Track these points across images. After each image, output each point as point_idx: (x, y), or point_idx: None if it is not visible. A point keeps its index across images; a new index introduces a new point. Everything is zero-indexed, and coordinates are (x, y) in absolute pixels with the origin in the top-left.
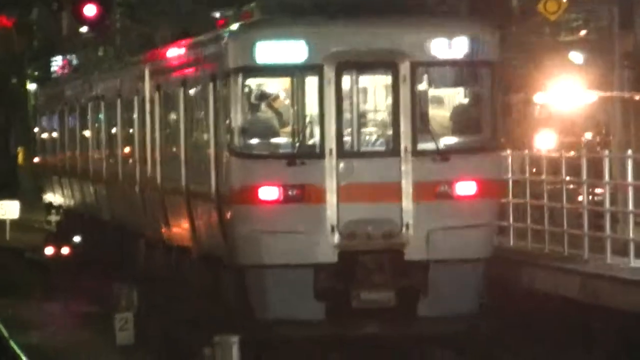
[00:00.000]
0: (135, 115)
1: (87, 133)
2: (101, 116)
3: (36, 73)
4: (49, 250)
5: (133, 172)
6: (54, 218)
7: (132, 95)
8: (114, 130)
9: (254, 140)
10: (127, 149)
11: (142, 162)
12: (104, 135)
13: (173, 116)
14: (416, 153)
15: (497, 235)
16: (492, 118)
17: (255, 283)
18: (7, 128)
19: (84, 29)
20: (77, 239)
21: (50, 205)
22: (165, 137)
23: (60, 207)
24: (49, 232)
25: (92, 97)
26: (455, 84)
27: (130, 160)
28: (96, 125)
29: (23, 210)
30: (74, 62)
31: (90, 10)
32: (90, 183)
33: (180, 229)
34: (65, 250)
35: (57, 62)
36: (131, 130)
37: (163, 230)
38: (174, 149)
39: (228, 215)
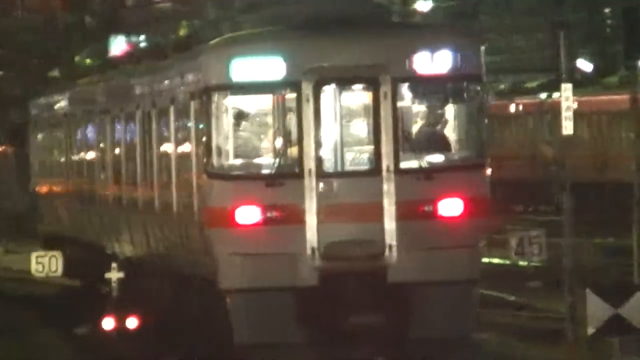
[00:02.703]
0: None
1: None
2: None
3: (88, 61)
4: (109, 324)
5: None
6: (115, 275)
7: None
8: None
9: (231, 161)
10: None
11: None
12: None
13: (166, 135)
14: (398, 171)
15: None
16: (478, 134)
17: (235, 307)
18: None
19: None
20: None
21: (110, 257)
22: (161, 159)
23: (116, 257)
24: (106, 296)
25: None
26: (439, 99)
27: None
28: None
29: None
30: (143, 44)
31: None
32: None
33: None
34: (132, 323)
35: (118, 45)
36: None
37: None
38: (168, 172)
39: (207, 238)
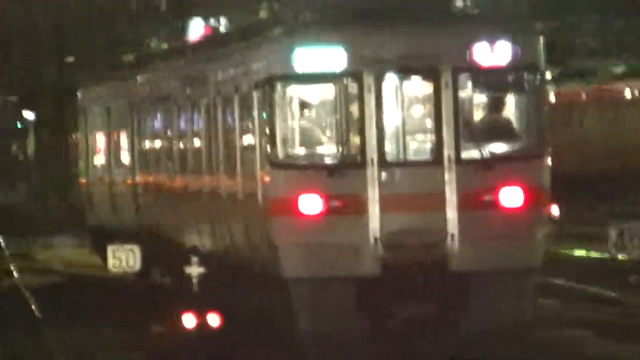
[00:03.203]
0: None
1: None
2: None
3: (165, 46)
4: (189, 321)
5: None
6: (195, 270)
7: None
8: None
9: (294, 150)
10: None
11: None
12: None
13: (230, 124)
14: (460, 161)
15: None
16: (538, 124)
17: (298, 295)
18: None
19: None
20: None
21: (191, 251)
22: (225, 148)
23: (196, 252)
24: (185, 291)
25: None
26: (499, 89)
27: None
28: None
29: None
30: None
31: None
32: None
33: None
34: (214, 320)
35: (196, 27)
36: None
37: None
38: (232, 161)
39: (270, 227)
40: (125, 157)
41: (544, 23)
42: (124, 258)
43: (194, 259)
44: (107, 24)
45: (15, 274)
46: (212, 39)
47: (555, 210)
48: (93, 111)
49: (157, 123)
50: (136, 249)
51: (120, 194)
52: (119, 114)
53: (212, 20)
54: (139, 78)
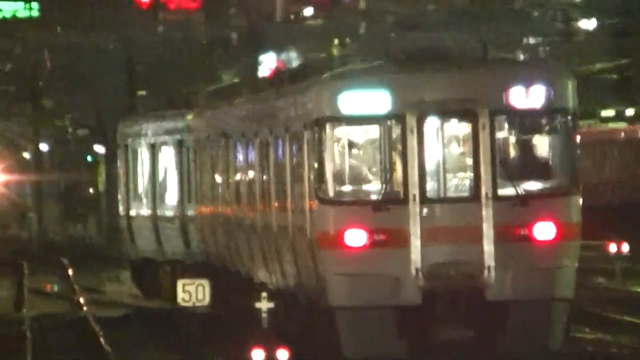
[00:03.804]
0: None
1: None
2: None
3: (236, 80)
4: (258, 356)
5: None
6: (265, 305)
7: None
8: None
9: (341, 187)
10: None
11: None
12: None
13: (281, 162)
14: (496, 198)
15: None
16: (569, 163)
17: (343, 323)
18: None
19: (308, 11)
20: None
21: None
22: (277, 184)
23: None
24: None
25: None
26: (534, 130)
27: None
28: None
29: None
30: (292, 61)
31: None
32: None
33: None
34: (283, 356)
35: (267, 62)
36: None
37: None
38: (283, 197)
39: (318, 259)
40: (176, 191)
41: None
42: (193, 292)
43: (264, 294)
44: (179, 59)
45: (84, 306)
46: (266, 80)
47: (625, 247)
48: (137, 146)
49: (212, 158)
50: (205, 283)
51: (168, 227)
52: (169, 149)
53: (283, 55)
54: (197, 113)
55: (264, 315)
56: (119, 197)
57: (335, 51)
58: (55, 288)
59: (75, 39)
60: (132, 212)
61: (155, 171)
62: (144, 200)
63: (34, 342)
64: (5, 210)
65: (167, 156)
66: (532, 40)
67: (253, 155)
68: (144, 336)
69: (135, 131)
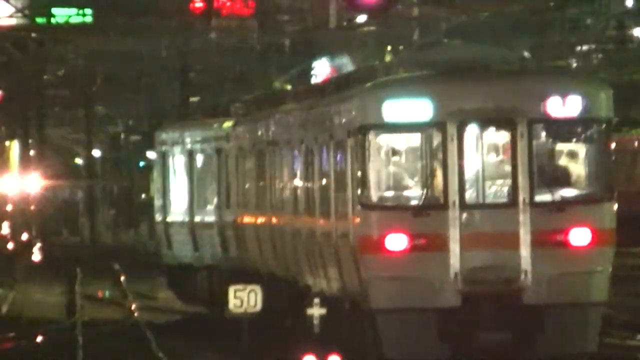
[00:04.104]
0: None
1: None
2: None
3: (288, 87)
4: None
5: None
6: (317, 312)
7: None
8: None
9: (383, 193)
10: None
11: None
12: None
13: (325, 168)
14: (533, 204)
15: None
16: (605, 171)
17: (384, 325)
18: None
19: (361, 18)
20: None
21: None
22: (321, 190)
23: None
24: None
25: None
26: (570, 139)
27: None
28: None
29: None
30: (345, 68)
31: None
32: None
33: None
34: None
35: (320, 69)
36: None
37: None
38: (327, 202)
39: (360, 263)
40: (215, 197)
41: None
42: (245, 299)
43: (316, 299)
44: (232, 65)
45: (135, 312)
46: (311, 88)
47: None
48: (174, 154)
49: (257, 165)
50: (258, 289)
51: (205, 233)
52: (209, 156)
53: (336, 62)
54: (238, 121)
55: (316, 321)
56: (156, 203)
57: (388, 58)
58: (107, 294)
59: (128, 45)
60: (169, 219)
61: (193, 178)
62: (181, 207)
63: (85, 348)
64: (57, 217)
65: (205, 163)
66: (585, 48)
67: (298, 162)
68: (195, 342)
69: (172, 138)
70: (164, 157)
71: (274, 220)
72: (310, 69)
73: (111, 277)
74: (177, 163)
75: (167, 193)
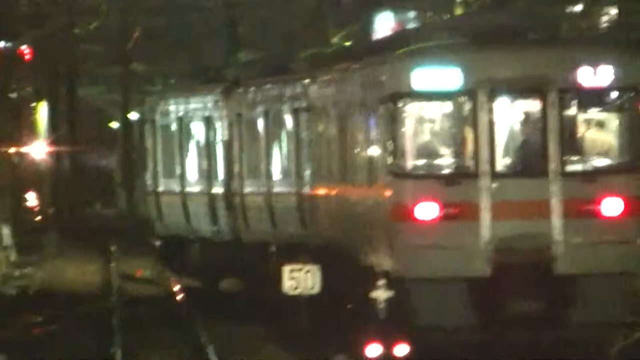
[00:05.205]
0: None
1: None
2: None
3: (347, 44)
4: (374, 351)
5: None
6: (382, 295)
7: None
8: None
9: (414, 162)
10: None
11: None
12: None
13: (357, 136)
14: (564, 174)
15: None
16: (635, 140)
17: (415, 293)
18: None
19: None
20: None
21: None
22: (352, 158)
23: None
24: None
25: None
26: (601, 108)
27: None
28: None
29: None
30: (411, 22)
31: None
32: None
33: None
34: (401, 350)
35: (384, 23)
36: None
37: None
38: (359, 170)
39: (391, 231)
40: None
41: None
42: (302, 279)
43: (380, 282)
44: (283, 20)
45: (176, 292)
46: (345, 53)
47: None
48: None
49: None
50: (315, 269)
51: (214, 202)
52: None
53: (400, 15)
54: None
55: (381, 305)
56: (148, 172)
57: (459, 10)
58: (148, 273)
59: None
60: (161, 189)
61: (183, 147)
62: (174, 177)
63: (123, 326)
64: (91, 186)
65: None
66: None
67: (331, 129)
68: (247, 326)
69: (162, 108)
70: (154, 124)
71: (304, 189)
72: (372, 23)
73: (151, 254)
74: (166, 132)
75: (154, 161)
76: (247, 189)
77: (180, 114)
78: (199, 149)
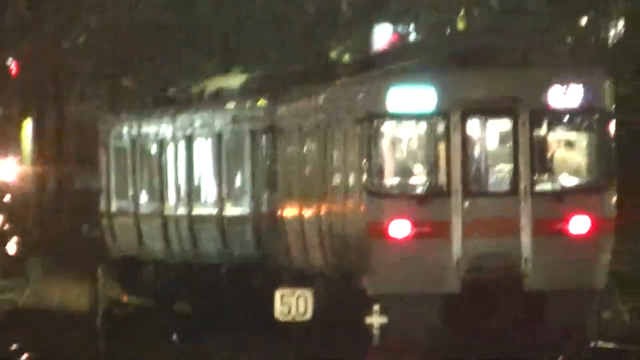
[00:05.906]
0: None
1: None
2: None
3: (346, 56)
4: None
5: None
6: (377, 320)
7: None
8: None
9: (387, 180)
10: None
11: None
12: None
13: (335, 154)
14: (534, 193)
15: None
16: (604, 160)
17: (387, 310)
18: None
19: None
20: None
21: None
22: (330, 175)
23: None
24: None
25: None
26: (571, 129)
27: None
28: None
29: None
30: (411, 34)
31: None
32: None
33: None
34: None
35: (382, 35)
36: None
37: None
38: (334, 188)
39: (364, 248)
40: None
41: None
42: (294, 304)
43: (376, 306)
44: (280, 32)
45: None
46: (323, 70)
47: None
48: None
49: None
50: (308, 294)
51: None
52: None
53: (400, 27)
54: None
55: (375, 332)
56: (109, 191)
57: (460, 24)
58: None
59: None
60: (114, 209)
61: (135, 169)
62: (126, 199)
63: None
64: (78, 209)
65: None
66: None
67: (307, 148)
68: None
69: (115, 130)
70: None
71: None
72: (371, 34)
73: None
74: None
75: (115, 180)
76: (197, 211)
77: (133, 136)
78: (150, 170)
